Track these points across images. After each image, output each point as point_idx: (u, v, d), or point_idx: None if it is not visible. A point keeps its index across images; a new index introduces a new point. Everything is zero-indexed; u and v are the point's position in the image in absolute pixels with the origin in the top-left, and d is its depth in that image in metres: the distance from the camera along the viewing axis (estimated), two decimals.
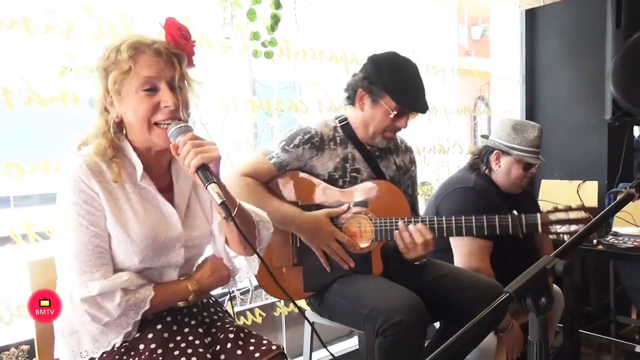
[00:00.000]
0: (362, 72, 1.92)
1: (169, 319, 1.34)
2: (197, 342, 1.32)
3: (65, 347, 1.31)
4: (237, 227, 1.24)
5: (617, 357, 2.92)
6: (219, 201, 1.19)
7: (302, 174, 1.89)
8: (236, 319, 1.84)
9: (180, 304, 1.35)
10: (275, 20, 2.39)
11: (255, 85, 2.52)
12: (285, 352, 1.39)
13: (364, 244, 1.87)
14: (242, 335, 1.38)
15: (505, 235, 2.04)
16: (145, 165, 1.33)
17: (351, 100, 1.95)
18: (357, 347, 2.77)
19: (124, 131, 1.32)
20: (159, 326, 1.32)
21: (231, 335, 1.37)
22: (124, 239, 1.27)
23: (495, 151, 2.25)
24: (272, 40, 2.42)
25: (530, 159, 2.20)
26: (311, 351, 2.07)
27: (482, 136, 2.48)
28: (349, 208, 1.86)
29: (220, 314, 1.48)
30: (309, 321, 1.43)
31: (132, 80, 1.24)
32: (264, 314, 2.49)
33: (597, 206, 1.84)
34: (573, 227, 1.80)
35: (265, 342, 1.37)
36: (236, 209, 1.29)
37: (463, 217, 1.83)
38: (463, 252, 2.10)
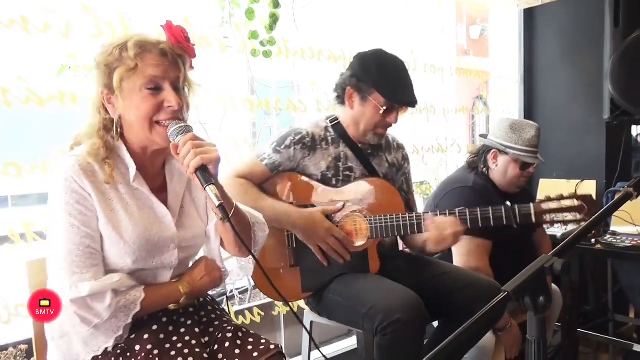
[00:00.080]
0: (349, 71, 1.93)
1: (164, 319, 1.34)
2: (193, 342, 1.32)
3: (56, 350, 1.30)
4: (233, 229, 1.24)
5: (615, 356, 2.93)
6: (217, 203, 1.19)
7: (295, 175, 1.90)
8: (234, 318, 1.84)
9: (171, 306, 1.34)
10: (274, 19, 2.39)
11: (253, 84, 2.52)
12: (283, 351, 1.39)
13: (360, 242, 1.87)
14: (240, 334, 1.38)
15: (504, 235, 2.05)
16: (139, 166, 1.32)
17: (341, 99, 1.96)
18: (356, 346, 2.77)
19: (119, 130, 1.31)
20: (154, 327, 1.31)
21: (229, 335, 1.37)
22: (117, 240, 1.26)
23: (492, 150, 2.26)
24: (270, 39, 2.42)
25: (527, 159, 2.20)
26: (310, 351, 2.07)
27: (481, 135, 2.48)
28: (343, 206, 1.86)
29: (217, 313, 1.48)
30: (305, 327, 1.41)
31: (137, 78, 1.24)
32: (262, 313, 2.49)
33: (589, 194, 1.83)
34: (567, 216, 1.81)
35: (263, 341, 1.37)
36: (233, 210, 1.29)
37: (457, 210, 1.83)
38: (462, 251, 2.10)
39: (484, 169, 2.29)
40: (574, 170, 3.16)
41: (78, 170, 1.23)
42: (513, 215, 1.81)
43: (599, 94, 2.86)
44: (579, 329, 2.64)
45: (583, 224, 2.18)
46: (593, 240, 2.42)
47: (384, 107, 1.86)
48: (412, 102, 1.90)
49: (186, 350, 1.28)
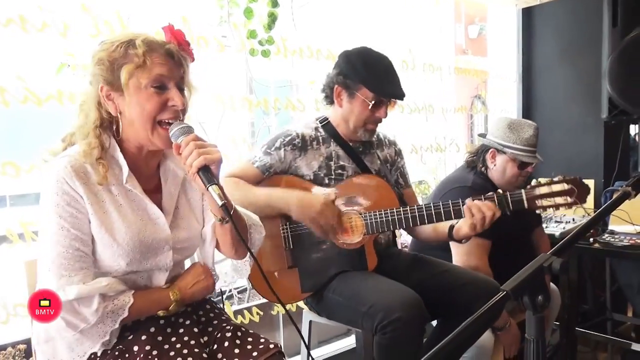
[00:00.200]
0: (336, 69, 1.94)
1: (162, 321, 1.34)
2: (192, 342, 1.31)
3: (41, 355, 1.29)
4: (235, 229, 1.24)
5: (614, 355, 2.93)
6: (220, 203, 1.19)
7: (288, 176, 1.91)
8: (233, 318, 1.84)
9: (160, 313, 1.32)
10: (272, 18, 2.39)
11: (252, 83, 2.52)
12: (283, 350, 1.39)
13: (356, 239, 1.87)
14: (239, 333, 1.38)
15: (503, 233, 2.05)
16: (134, 166, 1.31)
17: (329, 98, 1.97)
18: (355, 345, 2.77)
19: (115, 128, 1.30)
20: (152, 327, 1.31)
21: (228, 334, 1.37)
22: (110, 242, 1.25)
23: (491, 150, 2.26)
24: (269, 38, 2.42)
25: (525, 158, 2.20)
26: (309, 350, 2.07)
27: (479, 135, 2.48)
28: (335, 194, 1.86)
29: (216, 312, 1.48)
30: (299, 331, 1.39)
31: (143, 75, 1.23)
32: (261, 313, 2.49)
33: (578, 176, 1.84)
34: (558, 200, 1.82)
35: (262, 340, 1.37)
36: (232, 211, 1.29)
37: (450, 202, 1.83)
38: (462, 251, 2.11)
39: (483, 169, 2.29)
40: (572, 170, 3.11)
41: (70, 172, 1.22)
42: (505, 202, 1.82)
43: (597, 93, 2.86)
44: (577, 328, 2.64)
45: (586, 219, 2.19)
46: (591, 240, 2.42)
47: (372, 102, 1.87)
48: (399, 94, 1.91)
49: (185, 350, 1.28)
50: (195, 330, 1.36)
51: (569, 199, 1.81)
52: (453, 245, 2.14)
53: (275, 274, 1.88)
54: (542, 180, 1.87)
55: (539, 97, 3.51)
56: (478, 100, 4.65)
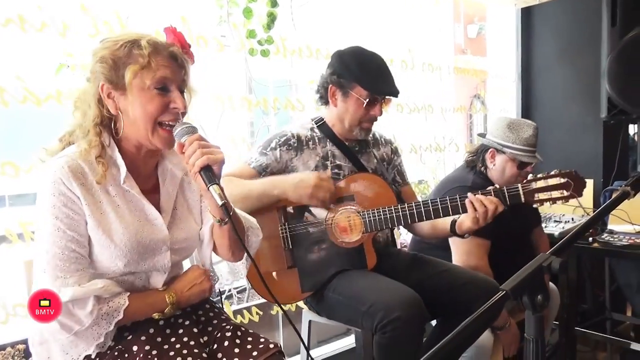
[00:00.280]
0: (329, 69, 1.95)
1: (161, 321, 1.33)
2: (192, 342, 1.31)
3: (36, 357, 1.29)
4: (234, 229, 1.25)
5: (613, 354, 2.94)
6: (220, 202, 1.19)
7: None
8: (233, 318, 1.84)
9: (156, 315, 1.31)
10: (272, 18, 2.39)
11: (251, 83, 2.52)
12: (282, 350, 1.39)
13: (355, 238, 1.88)
14: (239, 333, 1.38)
15: (503, 232, 2.05)
16: (132, 165, 1.31)
17: (324, 99, 1.98)
18: (354, 345, 2.77)
19: (114, 127, 1.30)
20: (151, 329, 1.31)
21: (228, 334, 1.37)
22: (107, 243, 1.25)
23: (490, 149, 2.26)
24: (268, 38, 2.42)
25: (524, 158, 2.20)
26: (308, 350, 2.07)
27: (479, 134, 2.48)
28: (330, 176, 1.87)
29: (215, 311, 1.47)
30: (295, 328, 1.39)
31: (147, 76, 1.23)
32: (261, 313, 2.49)
33: (574, 170, 1.85)
34: (554, 194, 1.82)
35: (262, 340, 1.37)
36: (231, 212, 1.29)
37: (448, 198, 1.83)
38: (462, 250, 2.11)
39: (482, 168, 2.29)
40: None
41: (67, 172, 1.21)
42: (502, 197, 1.82)
43: (596, 93, 2.87)
44: (576, 328, 2.65)
45: (585, 218, 2.19)
46: (590, 239, 2.42)
47: (367, 100, 1.88)
48: (393, 92, 1.91)
49: (185, 350, 1.28)
50: (195, 330, 1.36)
51: (566, 193, 1.82)
52: (453, 244, 2.14)
53: (275, 274, 1.89)
54: (539, 174, 1.88)
55: (538, 96, 3.51)
56: (477, 100, 4.65)
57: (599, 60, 2.83)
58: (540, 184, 1.83)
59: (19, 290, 1.59)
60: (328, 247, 1.89)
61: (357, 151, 2.01)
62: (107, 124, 1.29)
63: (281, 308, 1.32)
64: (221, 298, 1.86)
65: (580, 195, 1.83)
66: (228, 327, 1.39)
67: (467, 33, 9.25)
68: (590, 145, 3.19)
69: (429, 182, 3.43)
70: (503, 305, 0.88)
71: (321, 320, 1.98)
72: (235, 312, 2.41)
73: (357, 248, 1.88)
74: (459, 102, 3.99)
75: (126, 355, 1.25)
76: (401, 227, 2.15)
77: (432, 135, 3.46)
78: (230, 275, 1.53)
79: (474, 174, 2.29)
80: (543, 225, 2.60)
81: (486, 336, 2.03)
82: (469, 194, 1.80)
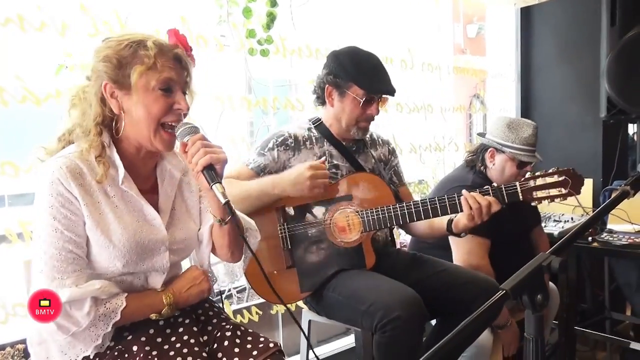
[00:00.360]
0: (325, 69, 1.95)
1: (161, 321, 1.33)
2: (192, 340, 1.31)
3: (35, 357, 1.29)
4: (237, 226, 1.26)
5: (612, 353, 2.94)
6: (224, 201, 1.20)
7: None
8: (232, 317, 1.84)
9: (153, 316, 1.31)
10: (271, 18, 2.39)
11: (251, 83, 2.52)
12: (282, 349, 1.39)
13: (353, 237, 1.88)
14: (239, 333, 1.38)
15: (503, 230, 2.05)
16: (131, 166, 1.31)
17: (321, 99, 1.98)
18: (354, 344, 2.77)
19: (114, 127, 1.30)
20: (151, 329, 1.31)
21: (228, 333, 1.37)
22: (106, 243, 1.24)
23: (490, 149, 2.26)
24: (268, 38, 2.42)
25: (524, 157, 2.20)
26: (308, 350, 2.07)
27: (479, 134, 2.48)
28: (325, 163, 1.86)
29: (215, 310, 1.48)
30: (300, 327, 1.41)
31: (152, 77, 1.24)
32: (260, 312, 2.49)
33: (571, 167, 1.85)
34: (552, 191, 1.82)
35: (262, 339, 1.37)
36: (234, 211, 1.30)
37: (446, 196, 1.84)
38: (463, 250, 2.11)
39: (482, 168, 2.29)
40: None
41: (65, 173, 1.21)
42: (500, 195, 1.82)
43: (595, 93, 2.87)
44: (576, 327, 2.65)
45: (585, 218, 2.19)
46: (590, 239, 2.42)
47: (363, 99, 1.88)
48: (389, 90, 1.92)
49: (185, 350, 1.28)
50: (195, 329, 1.36)
51: (563, 190, 1.82)
52: (454, 244, 2.14)
53: (274, 273, 1.88)
54: (537, 173, 1.88)
55: (538, 96, 3.51)
56: (477, 100, 4.65)
57: (599, 59, 2.83)
58: (538, 181, 1.83)
59: (19, 290, 1.59)
60: (327, 246, 1.89)
61: (354, 151, 2.02)
62: (108, 123, 1.29)
63: (286, 307, 1.33)
64: (221, 298, 1.86)
65: (579, 193, 1.83)
66: (228, 326, 1.39)
67: (467, 33, 9.25)
68: (589, 144, 3.20)
69: (428, 182, 3.43)
70: (503, 305, 0.88)
71: (321, 320, 1.98)
72: (235, 312, 2.41)
73: (356, 247, 1.88)
74: (459, 101, 3.99)
75: (126, 355, 1.25)
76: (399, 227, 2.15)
77: (432, 134, 3.46)
78: (227, 277, 1.53)
79: (474, 173, 2.30)
80: (543, 224, 2.60)
81: (486, 336, 2.03)
82: (464, 191, 1.81)
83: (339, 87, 1.91)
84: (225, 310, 2.06)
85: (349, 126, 1.95)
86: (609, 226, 2.57)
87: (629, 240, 2.37)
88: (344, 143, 1.99)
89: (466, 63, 4.05)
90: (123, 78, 1.24)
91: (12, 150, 1.88)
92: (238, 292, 2.68)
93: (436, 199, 1.85)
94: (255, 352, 1.32)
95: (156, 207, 1.35)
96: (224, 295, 2.48)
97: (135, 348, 1.26)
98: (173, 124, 1.28)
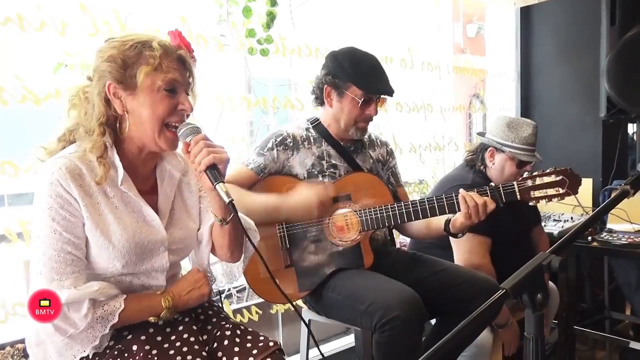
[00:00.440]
0: (324, 70, 1.95)
1: (161, 322, 1.33)
2: (192, 339, 1.31)
3: (33, 358, 1.29)
4: (241, 225, 1.27)
5: (612, 353, 2.94)
6: (227, 200, 1.20)
7: (281, 177, 1.91)
8: (232, 317, 1.84)
9: (152, 319, 1.31)
10: (271, 17, 2.38)
11: (251, 82, 2.52)
12: (282, 348, 1.39)
13: (352, 236, 1.88)
14: (238, 332, 1.38)
15: (503, 228, 2.05)
16: (131, 166, 1.32)
17: (319, 100, 1.99)
18: (353, 344, 2.77)
19: (119, 128, 1.30)
20: (151, 329, 1.31)
21: (228, 333, 1.37)
22: (105, 244, 1.25)
23: (489, 148, 2.26)
24: (267, 37, 2.41)
25: (523, 157, 2.21)
26: (308, 349, 2.07)
27: (478, 133, 2.49)
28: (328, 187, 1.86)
29: (215, 309, 1.48)
30: (305, 323, 1.43)
31: (157, 77, 1.24)
32: (260, 312, 2.49)
33: (569, 167, 1.85)
34: (550, 191, 1.82)
35: (262, 338, 1.37)
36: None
37: (444, 195, 1.84)
38: (463, 249, 2.11)
39: (482, 167, 2.29)
40: None
41: (65, 174, 1.21)
42: (498, 195, 1.82)
43: (595, 92, 2.87)
44: (575, 326, 2.65)
45: (585, 217, 2.20)
46: (590, 238, 2.42)
47: (362, 99, 1.89)
48: (388, 90, 1.92)
49: (185, 349, 1.28)
50: (195, 328, 1.36)
51: (561, 190, 1.82)
52: (454, 243, 2.14)
53: (276, 273, 1.88)
54: (535, 172, 1.88)
55: (538, 96, 3.51)
56: (476, 99, 4.66)
57: (598, 59, 2.83)
58: (536, 181, 1.83)
59: (19, 290, 1.59)
60: (325, 246, 1.89)
61: (352, 151, 2.02)
62: (112, 124, 1.29)
63: (292, 304, 1.34)
64: (220, 297, 1.86)
65: (576, 192, 1.83)
66: (227, 325, 1.39)
67: (466, 32, 9.26)
68: (589, 144, 3.20)
69: (428, 182, 3.43)
70: (503, 304, 0.88)
71: (320, 320, 1.99)
72: (235, 311, 2.41)
73: (354, 247, 1.88)
74: (458, 101, 3.99)
75: (126, 354, 1.25)
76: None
77: (432, 134, 3.46)
78: (224, 278, 1.53)
79: (474, 172, 2.30)
80: (542, 224, 2.60)
81: (486, 335, 2.03)
82: (461, 190, 1.81)
83: (338, 88, 1.91)
84: (225, 309, 2.06)
85: (348, 126, 1.95)
86: (608, 226, 2.57)
87: (628, 240, 2.37)
88: (342, 143, 1.99)
89: (466, 62, 4.06)
90: (128, 78, 1.24)
91: (12, 150, 1.88)
92: (238, 291, 2.68)
93: (434, 198, 1.85)
94: (255, 351, 1.32)
95: (155, 207, 1.35)
96: (223, 295, 2.48)
97: (135, 347, 1.26)
98: (177, 124, 1.28)
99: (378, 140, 2.15)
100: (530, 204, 1.87)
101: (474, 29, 9.22)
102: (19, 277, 1.47)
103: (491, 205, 1.79)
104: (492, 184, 1.86)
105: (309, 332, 1.48)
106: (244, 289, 2.67)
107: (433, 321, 2.04)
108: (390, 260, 1.99)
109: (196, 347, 1.30)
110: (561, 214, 2.79)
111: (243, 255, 1.48)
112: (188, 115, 1.31)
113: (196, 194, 1.46)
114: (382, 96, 1.94)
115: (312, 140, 1.96)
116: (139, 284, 1.34)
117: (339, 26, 2.94)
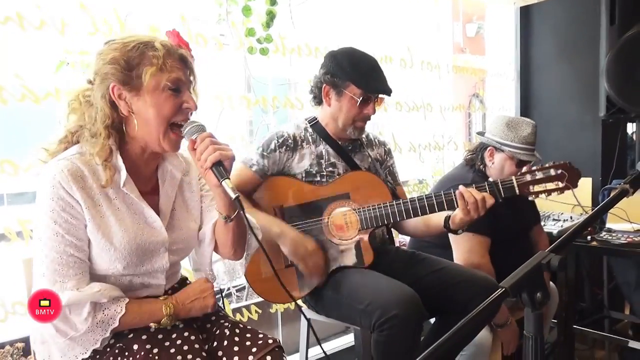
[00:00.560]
0: (323, 69, 1.96)
1: None
2: (192, 337, 1.32)
3: (38, 356, 1.30)
4: (246, 220, 1.28)
5: (611, 352, 2.94)
6: (234, 195, 1.21)
7: (281, 177, 1.92)
8: (232, 316, 1.84)
9: (152, 325, 1.31)
10: (271, 16, 2.38)
11: (250, 81, 2.52)
12: (281, 346, 1.39)
13: (351, 235, 1.88)
14: (237, 330, 1.38)
15: (502, 231, 2.05)
16: (133, 167, 1.32)
17: (317, 99, 1.99)
18: (353, 343, 2.78)
19: (125, 129, 1.30)
20: (151, 328, 1.31)
21: (227, 331, 1.37)
22: (107, 246, 1.25)
23: (489, 147, 2.26)
24: (267, 36, 2.41)
25: (523, 156, 2.21)
26: (307, 348, 2.07)
27: (478, 133, 2.49)
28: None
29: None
30: (306, 318, 1.44)
31: (162, 77, 1.24)
32: (259, 311, 2.49)
33: (568, 161, 1.84)
34: (549, 185, 1.82)
35: (261, 336, 1.37)
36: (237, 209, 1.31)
37: (442, 192, 1.84)
38: (463, 248, 2.11)
39: (482, 166, 2.29)
40: None
41: (67, 176, 1.21)
42: (497, 189, 1.82)
43: (594, 92, 2.87)
44: (575, 326, 2.65)
45: (584, 217, 2.20)
46: (589, 238, 2.42)
47: (360, 99, 1.89)
48: (386, 90, 1.93)
49: (185, 347, 1.28)
50: (195, 327, 1.37)
51: (560, 184, 1.81)
52: (454, 242, 2.14)
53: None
54: (533, 167, 1.88)
55: (537, 95, 3.51)
56: (476, 99, 4.66)
57: (598, 58, 2.83)
58: (535, 175, 1.83)
59: (18, 289, 1.59)
60: (325, 245, 1.89)
61: (350, 150, 2.02)
62: (117, 126, 1.29)
63: (296, 303, 1.34)
64: (221, 296, 1.86)
65: (576, 186, 1.82)
66: (227, 324, 1.40)
67: (466, 32, 9.25)
68: (588, 143, 3.20)
69: (427, 181, 3.43)
70: (501, 303, 0.88)
71: (320, 319, 1.99)
72: (235, 311, 2.41)
73: (354, 245, 1.89)
74: (458, 100, 3.99)
75: (126, 353, 1.26)
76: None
77: (431, 133, 3.46)
78: (226, 276, 1.53)
79: (473, 172, 2.30)
80: (542, 223, 2.60)
81: (485, 334, 2.03)
82: (460, 186, 1.81)
83: (337, 87, 1.92)
84: (225, 308, 2.06)
85: (346, 125, 1.95)
86: (608, 225, 2.57)
87: (627, 239, 2.37)
88: (340, 142, 1.99)
89: (465, 62, 4.06)
90: (132, 79, 1.24)
91: (12, 149, 1.88)
92: (237, 290, 2.68)
93: (433, 195, 1.85)
94: (254, 349, 1.33)
95: (157, 208, 1.36)
96: (223, 294, 2.48)
97: (135, 346, 1.26)
98: (182, 122, 1.29)
99: (376, 140, 2.15)
100: (530, 198, 1.86)
101: (473, 29, 9.21)
102: (19, 276, 1.47)
103: (490, 201, 1.78)
104: (491, 179, 1.86)
105: (310, 327, 1.47)
106: (244, 288, 2.67)
107: (432, 320, 2.05)
108: (389, 259, 1.99)
109: (196, 345, 1.30)
110: (560, 213, 2.79)
111: (246, 252, 1.48)
112: (192, 114, 1.32)
113: (197, 193, 1.47)
114: (380, 96, 1.94)
115: (310, 140, 1.96)
116: (138, 283, 1.34)
117: (338, 25, 2.94)
